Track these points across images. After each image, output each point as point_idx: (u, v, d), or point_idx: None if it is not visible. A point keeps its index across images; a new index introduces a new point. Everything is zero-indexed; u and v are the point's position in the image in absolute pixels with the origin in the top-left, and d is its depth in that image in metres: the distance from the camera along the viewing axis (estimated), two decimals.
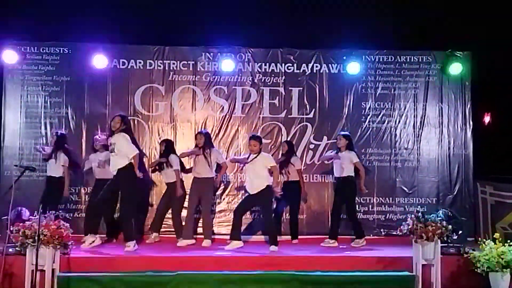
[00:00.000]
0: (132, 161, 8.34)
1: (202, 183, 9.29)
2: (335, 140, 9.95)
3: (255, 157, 8.78)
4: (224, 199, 10.31)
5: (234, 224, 8.87)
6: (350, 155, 9.34)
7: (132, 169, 8.35)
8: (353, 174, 9.34)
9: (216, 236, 9.85)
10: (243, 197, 9.41)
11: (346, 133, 9.68)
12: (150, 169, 9.94)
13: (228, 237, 9.19)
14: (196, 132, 9.68)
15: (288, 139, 10.30)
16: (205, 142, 9.31)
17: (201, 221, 9.60)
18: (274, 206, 9.62)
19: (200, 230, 9.66)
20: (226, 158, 10.05)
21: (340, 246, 9.19)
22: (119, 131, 8.42)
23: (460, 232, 8.50)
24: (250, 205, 9.14)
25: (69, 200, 10.02)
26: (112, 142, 8.46)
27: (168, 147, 9.61)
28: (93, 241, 8.61)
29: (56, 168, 9.31)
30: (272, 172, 8.85)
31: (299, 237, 9.83)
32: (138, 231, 9.37)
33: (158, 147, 9.97)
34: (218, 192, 10.28)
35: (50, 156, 9.32)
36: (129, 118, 9.79)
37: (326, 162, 10.00)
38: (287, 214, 9.94)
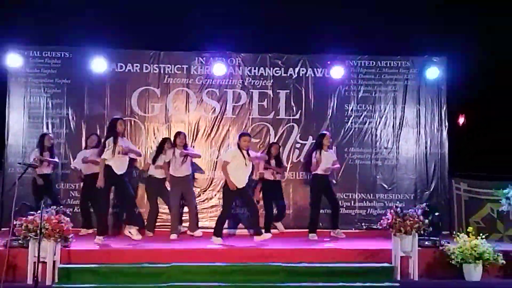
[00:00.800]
0: None
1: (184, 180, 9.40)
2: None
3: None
4: (215, 195, 10.28)
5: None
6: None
7: None
8: None
9: (208, 230, 9.82)
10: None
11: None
12: None
13: None
14: (177, 132, 9.65)
15: (276, 139, 10.32)
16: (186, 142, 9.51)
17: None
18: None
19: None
20: (217, 157, 10.20)
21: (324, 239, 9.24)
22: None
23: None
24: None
25: (69, 196, 9.97)
26: (121, 144, 8.62)
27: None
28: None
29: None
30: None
31: (286, 230, 9.87)
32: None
33: (154, 147, 9.97)
34: (210, 189, 10.27)
35: None
36: (126, 119, 9.90)
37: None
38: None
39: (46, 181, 9.34)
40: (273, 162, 9.74)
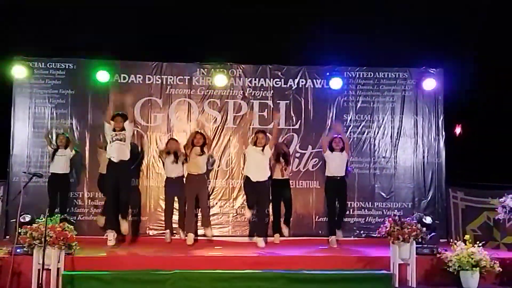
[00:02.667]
0: None
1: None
2: (319, 149, 10.14)
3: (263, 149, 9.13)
4: (217, 203, 10.30)
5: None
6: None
7: None
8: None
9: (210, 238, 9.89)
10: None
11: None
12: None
13: (219, 238, 9.74)
14: (195, 132, 9.72)
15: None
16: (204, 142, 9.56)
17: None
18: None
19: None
20: (219, 166, 10.27)
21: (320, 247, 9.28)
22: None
23: (433, 234, 8.56)
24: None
25: (74, 204, 10.00)
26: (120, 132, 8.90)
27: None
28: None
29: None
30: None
31: (287, 238, 9.80)
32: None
33: (156, 155, 10.04)
34: (212, 197, 10.29)
35: None
36: None
37: None
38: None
39: (62, 180, 9.44)
40: (283, 161, 9.68)
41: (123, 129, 9.08)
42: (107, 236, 8.94)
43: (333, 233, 9.46)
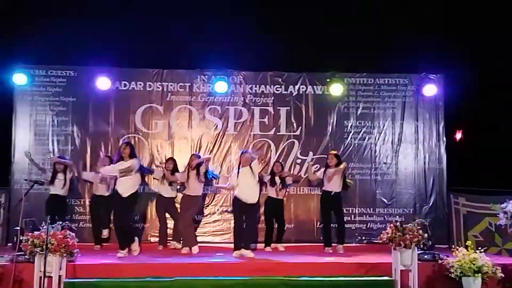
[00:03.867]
0: None
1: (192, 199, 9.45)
2: (320, 155, 10.25)
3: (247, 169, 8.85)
4: (218, 210, 10.31)
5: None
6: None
7: None
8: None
9: (210, 245, 9.88)
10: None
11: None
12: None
13: (221, 245, 9.77)
14: (191, 154, 9.78)
15: (277, 155, 10.37)
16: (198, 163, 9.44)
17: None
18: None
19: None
20: (220, 172, 10.22)
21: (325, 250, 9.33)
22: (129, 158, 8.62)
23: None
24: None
25: (75, 212, 10.00)
26: (127, 165, 8.55)
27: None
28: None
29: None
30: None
31: (288, 244, 9.87)
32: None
33: (157, 162, 10.09)
34: (213, 204, 10.29)
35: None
36: (130, 136, 9.99)
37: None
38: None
39: (59, 202, 9.40)
40: (277, 180, 9.74)
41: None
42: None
43: (328, 245, 9.48)
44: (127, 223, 8.81)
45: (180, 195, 9.77)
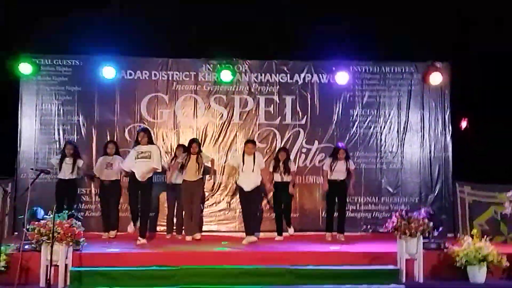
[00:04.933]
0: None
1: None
2: (326, 144, 10.27)
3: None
4: (223, 199, 10.32)
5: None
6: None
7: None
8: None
9: (215, 233, 9.91)
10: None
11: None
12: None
13: (226, 234, 9.85)
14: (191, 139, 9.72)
15: (282, 144, 10.35)
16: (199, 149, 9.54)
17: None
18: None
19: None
20: (225, 162, 10.30)
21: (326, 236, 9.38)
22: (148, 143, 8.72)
23: (441, 229, 8.53)
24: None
25: (81, 201, 10.03)
26: (146, 150, 8.64)
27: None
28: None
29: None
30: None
31: (295, 233, 9.89)
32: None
33: (163, 152, 10.06)
34: (218, 192, 10.31)
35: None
36: (135, 125, 10.00)
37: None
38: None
39: (68, 187, 9.46)
40: (281, 166, 9.71)
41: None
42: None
43: (329, 230, 9.55)
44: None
45: None
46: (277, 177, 9.71)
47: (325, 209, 9.85)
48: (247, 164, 9.07)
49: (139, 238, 8.69)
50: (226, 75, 10.24)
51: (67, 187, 9.45)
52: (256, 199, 9.39)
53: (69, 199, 9.41)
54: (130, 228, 9.22)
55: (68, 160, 9.44)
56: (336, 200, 9.54)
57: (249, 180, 9.06)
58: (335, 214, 9.56)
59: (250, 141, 9.36)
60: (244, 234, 9.16)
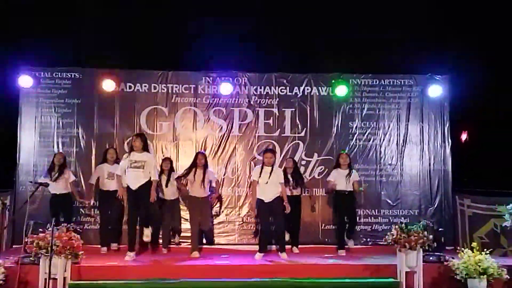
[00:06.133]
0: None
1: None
2: (325, 157, 10.26)
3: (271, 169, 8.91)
4: (223, 211, 10.31)
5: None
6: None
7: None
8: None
9: (216, 246, 9.88)
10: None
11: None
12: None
13: (226, 247, 9.76)
14: (198, 152, 9.66)
15: (282, 156, 10.33)
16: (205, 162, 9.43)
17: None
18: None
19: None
20: (224, 174, 10.23)
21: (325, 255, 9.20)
22: (143, 151, 8.62)
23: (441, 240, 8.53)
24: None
25: (80, 213, 10.01)
26: (138, 159, 8.56)
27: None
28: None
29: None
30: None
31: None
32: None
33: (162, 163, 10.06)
34: (217, 206, 10.28)
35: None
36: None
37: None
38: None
39: (64, 200, 9.41)
40: (290, 179, 9.59)
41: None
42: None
43: (341, 247, 9.47)
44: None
45: None
46: (287, 191, 9.34)
47: (335, 223, 9.79)
48: (264, 176, 8.85)
49: (128, 252, 8.53)
50: (225, 88, 10.24)
51: (60, 201, 9.37)
52: (278, 210, 8.85)
53: (65, 213, 9.35)
54: (146, 237, 8.95)
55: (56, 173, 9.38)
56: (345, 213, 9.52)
57: (269, 191, 8.82)
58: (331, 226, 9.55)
59: (267, 151, 9.18)
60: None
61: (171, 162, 9.76)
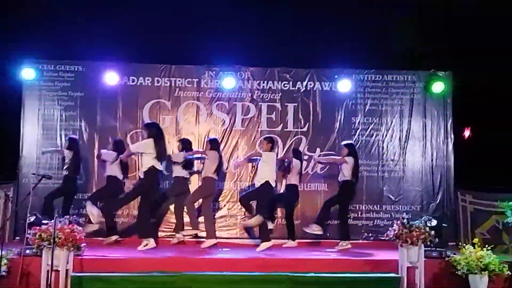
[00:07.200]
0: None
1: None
2: (328, 152, 10.32)
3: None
4: (224, 205, 10.32)
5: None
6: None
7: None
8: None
9: (217, 240, 9.88)
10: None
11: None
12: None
13: (228, 240, 9.71)
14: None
15: (284, 151, 10.35)
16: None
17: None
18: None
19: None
20: (227, 168, 10.24)
21: (327, 250, 9.21)
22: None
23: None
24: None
25: (82, 205, 10.02)
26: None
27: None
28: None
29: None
30: None
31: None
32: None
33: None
34: (220, 199, 10.30)
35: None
36: (137, 131, 10.01)
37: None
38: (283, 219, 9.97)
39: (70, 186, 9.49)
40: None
41: None
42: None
43: (346, 239, 9.45)
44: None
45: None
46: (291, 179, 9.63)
47: (340, 215, 9.74)
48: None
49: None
50: (228, 82, 10.26)
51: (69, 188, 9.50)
52: (262, 196, 9.02)
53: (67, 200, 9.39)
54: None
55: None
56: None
57: (257, 175, 9.18)
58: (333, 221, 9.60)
59: (264, 138, 9.56)
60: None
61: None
